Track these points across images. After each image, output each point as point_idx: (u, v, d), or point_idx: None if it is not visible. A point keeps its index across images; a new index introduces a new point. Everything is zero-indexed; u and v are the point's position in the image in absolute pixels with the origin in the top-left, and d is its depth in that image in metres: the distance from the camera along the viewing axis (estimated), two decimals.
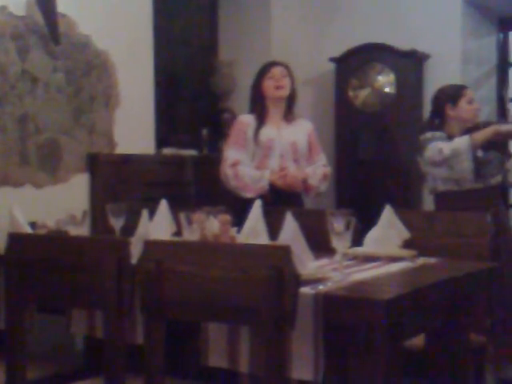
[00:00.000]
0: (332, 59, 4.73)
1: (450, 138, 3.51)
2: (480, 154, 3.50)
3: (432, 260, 2.50)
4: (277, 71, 3.58)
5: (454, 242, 2.65)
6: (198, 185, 4.07)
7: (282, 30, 4.77)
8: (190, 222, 2.39)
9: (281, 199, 3.41)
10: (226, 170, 3.55)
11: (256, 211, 2.56)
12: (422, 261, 2.48)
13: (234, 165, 3.53)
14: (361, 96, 4.67)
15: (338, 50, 4.69)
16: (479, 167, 3.48)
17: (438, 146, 3.43)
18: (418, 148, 3.58)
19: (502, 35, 5.03)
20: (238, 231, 2.54)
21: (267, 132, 3.56)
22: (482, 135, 3.42)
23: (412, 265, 2.42)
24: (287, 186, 3.51)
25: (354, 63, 4.68)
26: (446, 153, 3.40)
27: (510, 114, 4.79)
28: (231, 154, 3.56)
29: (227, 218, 2.46)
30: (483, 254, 2.58)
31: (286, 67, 3.63)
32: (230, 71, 4.75)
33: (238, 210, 2.88)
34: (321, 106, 4.91)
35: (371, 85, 4.63)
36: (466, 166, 3.40)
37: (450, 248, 2.64)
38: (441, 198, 3.55)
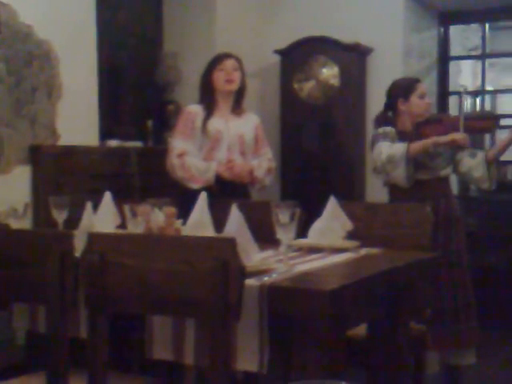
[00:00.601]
0: (277, 52, 4.74)
1: (402, 132, 3.55)
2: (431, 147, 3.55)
3: (374, 250, 2.54)
4: (229, 64, 3.56)
5: (395, 233, 2.70)
6: (143, 177, 4.03)
7: (227, 22, 4.76)
8: (134, 215, 2.37)
9: (227, 191, 3.41)
10: (173, 160, 3.53)
11: (201, 203, 2.55)
12: (364, 251, 2.52)
13: (181, 155, 3.51)
14: (305, 88, 4.69)
15: (283, 43, 4.70)
16: (429, 160, 3.54)
17: (379, 149, 3.48)
18: (370, 143, 3.61)
19: (442, 29, 5.12)
20: (184, 223, 2.52)
21: (215, 124, 3.54)
22: (419, 146, 3.45)
23: (355, 255, 2.46)
24: (234, 177, 3.51)
25: (299, 56, 4.69)
26: (383, 158, 3.45)
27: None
28: (178, 143, 3.54)
29: (172, 210, 2.45)
30: (423, 244, 2.63)
31: (238, 60, 3.61)
32: (175, 63, 4.71)
33: (184, 202, 2.87)
34: (266, 98, 4.92)
35: (316, 77, 4.66)
36: (399, 172, 3.43)
37: (391, 238, 2.68)
38: (393, 189, 3.61)
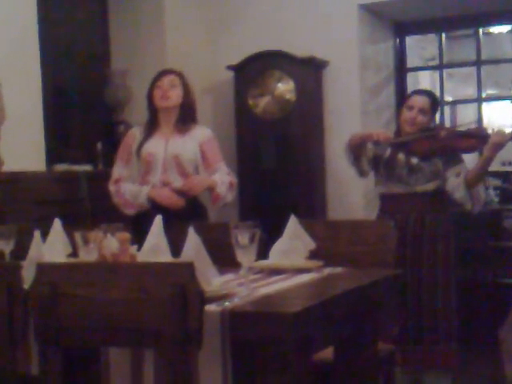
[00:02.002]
0: (230, 67, 4.76)
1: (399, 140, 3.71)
2: (415, 160, 3.62)
3: (338, 270, 2.55)
4: (166, 80, 3.57)
5: (358, 250, 2.72)
6: (94, 202, 3.99)
7: (178, 38, 4.77)
8: (86, 242, 2.34)
9: (167, 216, 3.01)
10: (110, 187, 3.61)
11: (156, 227, 2.54)
12: (328, 271, 2.53)
13: (117, 181, 3.59)
14: (261, 104, 4.73)
15: (236, 58, 4.73)
16: (406, 174, 3.62)
17: None
18: None
19: (398, 40, 5.21)
20: (139, 249, 2.51)
21: (151, 146, 3.54)
22: (352, 137, 3.70)
23: (318, 276, 2.47)
24: (166, 202, 3.45)
25: (253, 71, 4.73)
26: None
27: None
28: (116, 169, 3.63)
29: (126, 235, 2.43)
30: (388, 261, 2.66)
31: (179, 76, 3.62)
32: (124, 81, 4.70)
33: (138, 226, 2.85)
34: (221, 115, 4.93)
35: (271, 92, 4.70)
36: (349, 161, 3.73)
37: (355, 256, 2.70)
38: (380, 200, 3.77)
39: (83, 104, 4.69)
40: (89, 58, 4.77)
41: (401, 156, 3.64)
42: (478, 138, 3.62)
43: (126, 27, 4.80)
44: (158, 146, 3.55)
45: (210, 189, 3.53)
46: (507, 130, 3.67)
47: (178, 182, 3.52)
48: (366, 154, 3.67)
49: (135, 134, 3.63)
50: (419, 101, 3.70)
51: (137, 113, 4.52)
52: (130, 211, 3.53)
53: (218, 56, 4.91)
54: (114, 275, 1.89)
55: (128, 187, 3.55)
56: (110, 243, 2.41)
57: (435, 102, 3.79)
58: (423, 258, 3.57)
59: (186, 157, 3.54)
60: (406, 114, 3.70)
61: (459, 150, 3.69)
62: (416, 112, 3.68)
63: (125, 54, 4.79)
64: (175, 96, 3.56)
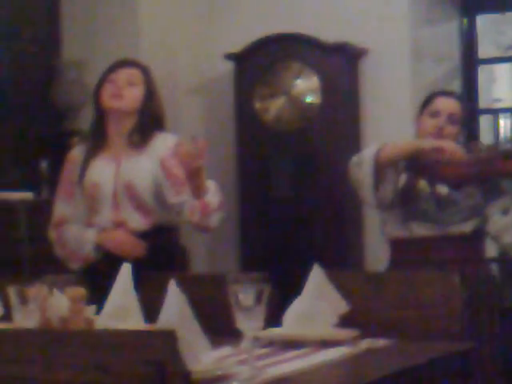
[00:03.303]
0: (229, 56, 4.78)
1: (414, 163, 3.62)
2: (444, 190, 3.60)
3: (380, 342, 2.55)
4: (122, 74, 3.48)
5: (410, 315, 2.71)
6: (36, 243, 4.00)
7: (155, 18, 4.80)
8: (24, 300, 2.34)
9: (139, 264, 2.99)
10: (50, 233, 3.51)
11: (123, 280, 2.53)
12: (366, 344, 2.52)
13: (59, 224, 3.47)
14: (272, 108, 4.75)
15: (238, 44, 4.75)
16: (436, 209, 3.58)
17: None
18: None
19: (466, 20, 5.23)
20: (98, 312, 2.50)
21: (95, 172, 3.42)
22: (395, 150, 3.56)
23: (353, 351, 2.46)
24: (120, 249, 3.37)
25: (262, 62, 4.75)
26: (354, 159, 3.59)
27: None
28: (57, 208, 3.53)
29: (80, 292, 2.43)
30: (451, 330, 2.64)
31: (143, 71, 3.54)
32: (79, 76, 4.73)
33: (96, 278, 2.83)
34: (215, 124, 4.94)
35: (287, 92, 4.72)
36: (361, 177, 3.53)
37: (404, 323, 2.69)
38: (393, 247, 3.66)
39: (22, 107, 4.72)
40: (31, 45, 4.80)
41: (422, 184, 3.62)
42: None
43: (83, 5, 4.84)
44: (105, 172, 3.43)
45: (197, 192, 3.29)
46: None
47: (135, 222, 3.43)
48: (391, 178, 3.59)
49: (77, 155, 3.53)
50: (448, 105, 3.69)
51: None
52: (75, 265, 3.46)
53: (213, 41, 4.93)
54: (62, 347, 1.89)
55: (72, 232, 3.48)
56: (57, 302, 2.40)
57: (468, 109, 3.76)
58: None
59: (142, 185, 3.42)
60: (429, 122, 3.66)
61: (505, 175, 3.67)
62: (444, 120, 3.65)
63: (81, 41, 4.83)
64: (132, 97, 3.48)
